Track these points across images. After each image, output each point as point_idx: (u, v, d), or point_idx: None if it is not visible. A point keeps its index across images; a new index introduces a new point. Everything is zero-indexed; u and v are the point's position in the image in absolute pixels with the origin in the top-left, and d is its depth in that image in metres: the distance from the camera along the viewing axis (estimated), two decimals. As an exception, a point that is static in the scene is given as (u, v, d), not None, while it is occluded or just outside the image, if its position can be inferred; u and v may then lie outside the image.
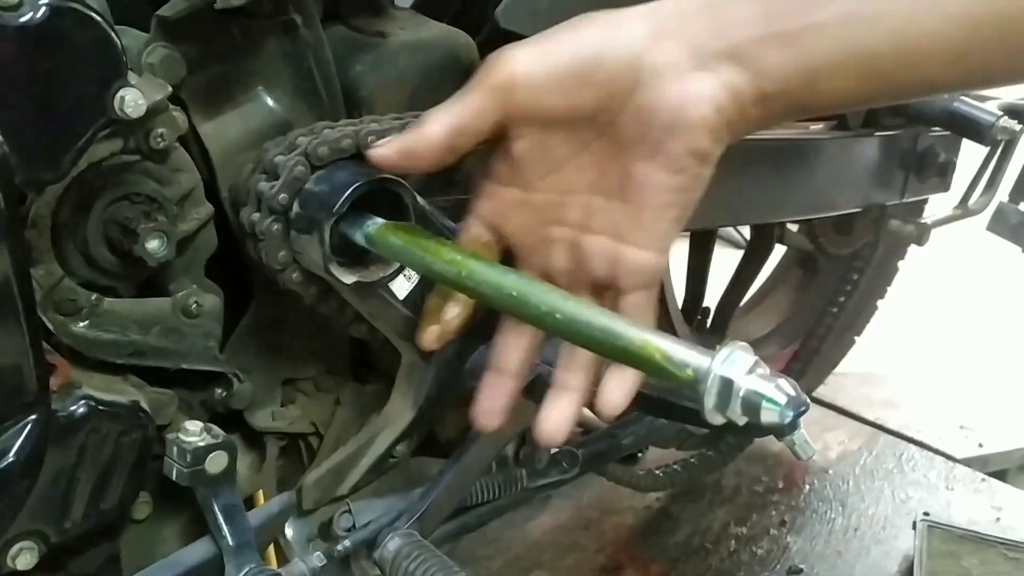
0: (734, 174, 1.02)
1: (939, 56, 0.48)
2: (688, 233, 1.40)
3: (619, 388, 0.58)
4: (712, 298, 1.40)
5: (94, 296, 0.62)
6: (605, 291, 0.58)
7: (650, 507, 1.48)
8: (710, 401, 0.43)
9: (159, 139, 0.61)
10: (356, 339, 0.80)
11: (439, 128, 0.55)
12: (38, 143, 0.49)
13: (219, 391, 0.70)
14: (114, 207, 0.61)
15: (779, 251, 1.50)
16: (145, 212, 0.62)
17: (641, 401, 0.72)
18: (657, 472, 1.19)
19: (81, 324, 0.61)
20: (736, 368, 0.43)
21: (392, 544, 0.60)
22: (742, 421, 0.44)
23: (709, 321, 1.44)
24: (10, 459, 0.49)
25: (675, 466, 1.22)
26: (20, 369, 0.49)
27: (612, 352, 0.47)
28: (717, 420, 0.44)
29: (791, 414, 0.42)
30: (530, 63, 0.52)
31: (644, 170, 0.53)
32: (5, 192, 0.46)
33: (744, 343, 0.44)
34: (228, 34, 0.69)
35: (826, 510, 1.50)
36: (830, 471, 1.60)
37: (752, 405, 0.42)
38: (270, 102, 0.72)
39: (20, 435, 0.49)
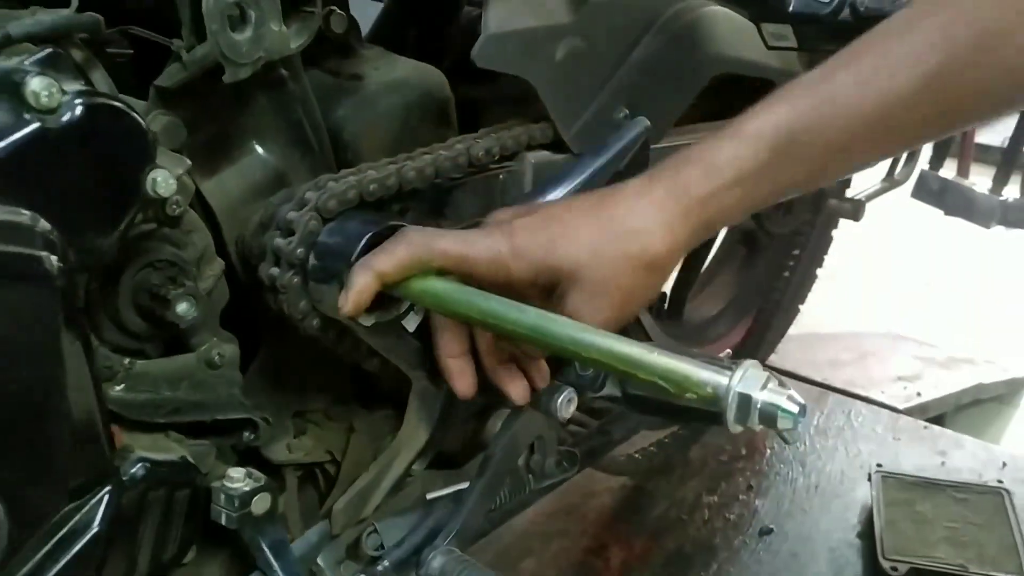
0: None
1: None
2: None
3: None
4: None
5: (127, 360, 0.65)
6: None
7: (626, 486, 1.56)
8: (731, 415, 0.49)
9: (175, 206, 0.64)
10: (357, 369, 0.85)
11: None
12: (87, 231, 0.53)
13: (247, 434, 0.73)
14: (140, 275, 0.64)
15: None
16: (170, 277, 0.65)
17: (635, 402, 0.79)
18: (636, 456, 1.27)
19: (118, 388, 0.64)
20: (751, 384, 0.49)
21: (436, 562, 0.65)
22: (758, 428, 0.50)
23: (666, 306, 1.52)
24: (95, 529, 0.52)
25: (651, 448, 1.30)
26: (98, 443, 0.52)
27: (640, 378, 0.53)
28: (736, 429, 0.50)
29: (803, 420, 0.49)
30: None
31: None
32: (68, 281, 0.49)
33: (755, 361, 0.50)
34: (220, 95, 0.72)
35: (788, 471, 1.60)
36: (787, 434, 1.70)
37: (769, 415, 0.49)
38: (265, 155, 0.76)
39: (100, 505, 0.53)
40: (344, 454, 0.85)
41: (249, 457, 0.80)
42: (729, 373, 0.50)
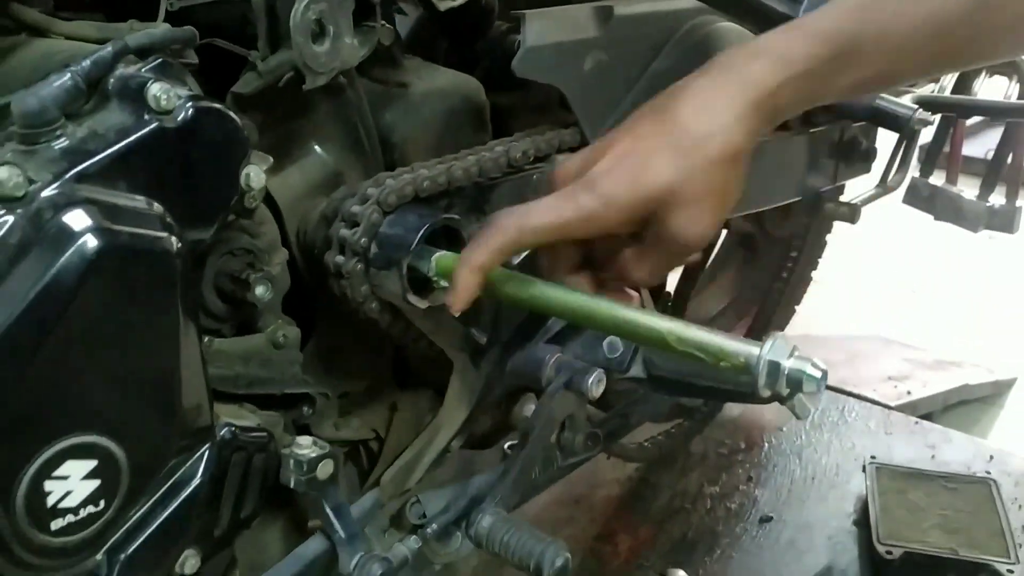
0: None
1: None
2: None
3: None
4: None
5: (207, 339, 0.72)
6: None
7: (631, 478, 1.63)
8: (761, 380, 0.57)
9: (252, 200, 0.71)
10: (397, 354, 0.93)
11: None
12: (196, 218, 0.60)
13: (306, 409, 0.81)
14: (222, 260, 0.71)
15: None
16: (248, 263, 0.72)
17: (659, 383, 0.86)
18: (646, 444, 1.34)
19: (200, 363, 0.71)
20: (780, 353, 0.57)
21: (485, 522, 0.72)
22: (785, 392, 0.57)
23: (671, 303, 1.60)
24: (198, 481, 0.59)
25: (659, 437, 1.37)
26: (202, 405, 0.59)
27: (680, 351, 0.60)
28: (766, 394, 0.58)
29: (825, 384, 0.56)
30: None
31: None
32: (183, 260, 0.56)
33: (782, 334, 0.58)
34: (286, 100, 0.79)
35: (785, 463, 1.68)
36: (784, 428, 1.78)
37: (796, 380, 0.56)
38: (324, 155, 0.83)
39: (202, 461, 0.60)
40: (387, 432, 0.92)
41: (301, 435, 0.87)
42: (759, 344, 0.57)
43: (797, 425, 1.79)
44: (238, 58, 0.76)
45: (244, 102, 0.75)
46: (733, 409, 1.77)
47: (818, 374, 0.56)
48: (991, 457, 1.68)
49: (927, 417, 1.95)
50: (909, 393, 1.98)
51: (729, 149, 0.61)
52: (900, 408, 1.89)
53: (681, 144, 0.60)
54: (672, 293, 1.60)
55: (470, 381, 0.86)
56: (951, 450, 1.70)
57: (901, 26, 0.63)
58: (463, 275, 0.62)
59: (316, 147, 0.83)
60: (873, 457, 1.59)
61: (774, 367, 0.56)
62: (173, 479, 0.59)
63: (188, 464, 0.60)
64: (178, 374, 0.57)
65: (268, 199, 0.80)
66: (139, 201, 0.56)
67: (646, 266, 0.64)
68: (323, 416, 0.88)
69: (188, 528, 0.60)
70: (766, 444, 1.73)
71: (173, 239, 0.55)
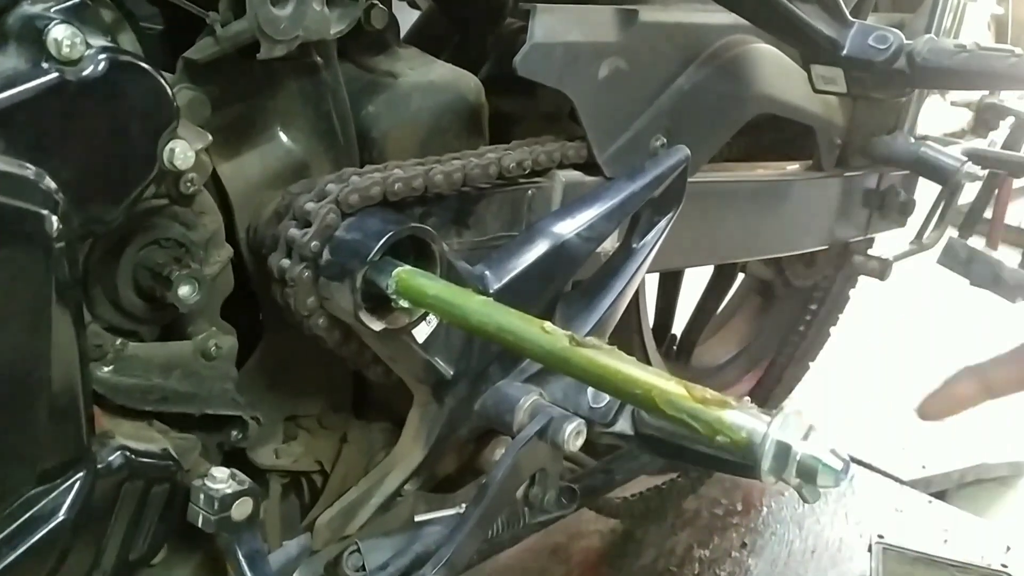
0: (711, 216, 1.05)
1: None
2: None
3: None
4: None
5: (119, 341, 0.61)
6: None
7: (615, 530, 1.50)
8: (766, 464, 0.45)
9: (189, 184, 0.61)
10: (357, 377, 0.81)
11: None
12: (96, 195, 0.49)
13: (235, 433, 0.69)
14: (144, 252, 0.61)
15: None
16: (176, 258, 0.61)
17: (647, 442, 0.75)
18: (632, 498, 1.22)
19: (106, 369, 0.60)
20: (792, 433, 0.45)
21: (424, 589, 0.61)
22: (794, 483, 0.46)
23: (676, 347, 1.49)
24: (61, 517, 0.48)
25: (647, 492, 1.25)
26: (75, 424, 0.48)
27: (668, 415, 0.49)
28: (770, 481, 0.46)
29: (845, 478, 0.45)
30: None
31: None
32: (67, 246, 0.46)
33: (797, 409, 0.46)
34: (250, 75, 0.69)
35: (784, 532, 1.55)
36: (786, 493, 1.65)
37: (809, 469, 0.45)
38: (288, 143, 0.72)
39: (71, 492, 0.49)
40: (333, 465, 0.81)
41: (233, 458, 0.76)
42: (767, 419, 0.46)
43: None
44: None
45: (198, 71, 0.65)
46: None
47: (838, 465, 0.44)
48: (1008, 548, 1.54)
49: (940, 495, 1.82)
50: (924, 467, 1.85)
51: None
52: (913, 483, 1.76)
53: None
54: (678, 336, 1.48)
55: (430, 418, 0.75)
56: (965, 535, 1.57)
57: None
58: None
59: (281, 133, 0.72)
60: (881, 536, 1.47)
61: (783, 450, 0.45)
62: (30, 512, 0.48)
63: (52, 495, 0.48)
64: (43, 384, 0.46)
65: (217, 186, 0.69)
66: (18, 166, 0.45)
67: None
68: (263, 440, 0.78)
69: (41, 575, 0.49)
70: (765, 508, 1.60)
71: (54, 219, 0.45)
